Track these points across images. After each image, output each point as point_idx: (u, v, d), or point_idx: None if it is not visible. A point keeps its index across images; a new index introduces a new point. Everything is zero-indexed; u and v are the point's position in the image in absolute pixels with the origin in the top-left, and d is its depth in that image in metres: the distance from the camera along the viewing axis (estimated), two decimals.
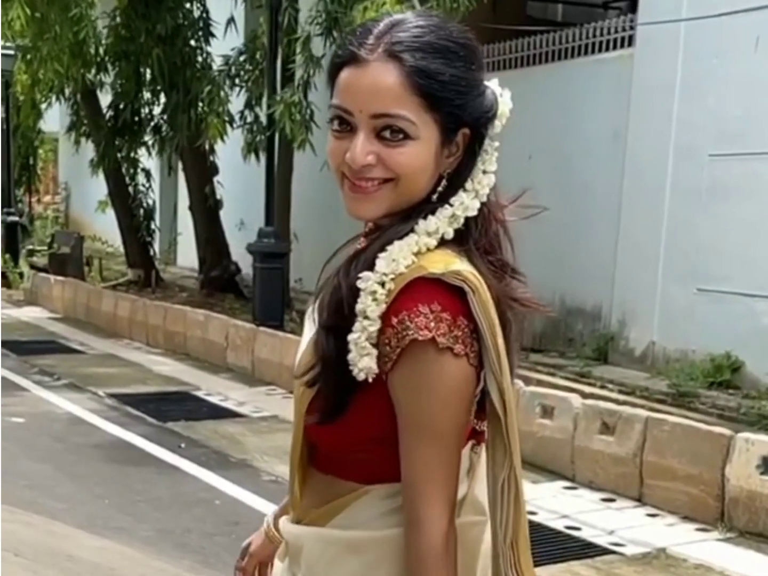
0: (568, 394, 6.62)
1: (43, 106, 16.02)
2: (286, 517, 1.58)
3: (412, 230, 1.40)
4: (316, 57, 9.70)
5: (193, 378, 9.43)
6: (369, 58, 1.35)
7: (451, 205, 1.41)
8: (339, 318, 1.39)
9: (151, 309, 11.58)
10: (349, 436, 1.42)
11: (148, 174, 15.46)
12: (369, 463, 1.44)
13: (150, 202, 15.64)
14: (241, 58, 11.87)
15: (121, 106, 13.79)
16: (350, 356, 1.36)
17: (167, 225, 18.45)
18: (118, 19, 13.20)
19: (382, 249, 1.39)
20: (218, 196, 13.90)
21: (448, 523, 1.36)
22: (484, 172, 1.45)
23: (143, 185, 15.59)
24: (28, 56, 13.35)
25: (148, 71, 13.41)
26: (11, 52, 15.66)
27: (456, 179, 1.43)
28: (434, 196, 1.42)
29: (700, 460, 5.51)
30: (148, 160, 15.68)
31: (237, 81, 11.92)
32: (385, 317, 1.35)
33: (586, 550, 5.01)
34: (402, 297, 1.35)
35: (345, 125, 1.38)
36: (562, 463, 6.35)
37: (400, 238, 1.39)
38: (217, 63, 13.23)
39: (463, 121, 1.40)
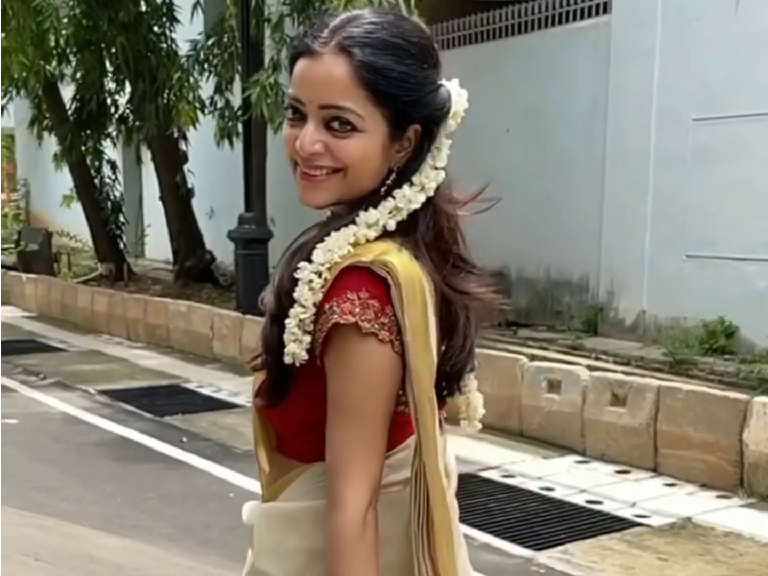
0: (574, 367, 6.56)
1: (3, 100, 15.63)
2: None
3: (352, 221, 1.44)
4: (288, 37, 9.54)
5: (181, 370, 9.28)
6: (322, 51, 1.40)
7: (394, 198, 1.45)
8: (280, 306, 1.45)
9: (130, 303, 11.39)
10: (291, 419, 1.50)
11: (113, 166, 15.23)
12: (310, 443, 1.48)
13: (117, 194, 15.40)
14: (209, 42, 11.64)
15: (86, 98, 13.49)
16: (285, 341, 1.43)
17: (133, 217, 18.19)
18: (78, 9, 12.91)
19: (322, 240, 1.44)
20: (189, 185, 13.68)
21: (367, 505, 1.40)
22: (434, 167, 1.48)
23: (109, 177, 15.36)
24: None
25: (112, 60, 13.17)
26: None
27: (404, 174, 1.46)
28: (382, 189, 1.45)
29: (717, 426, 5.47)
30: (113, 151, 15.47)
31: (206, 66, 11.69)
32: (319, 305, 1.41)
33: (613, 523, 4.96)
34: (334, 285, 1.40)
35: (297, 114, 1.44)
36: (571, 437, 6.30)
37: (338, 229, 1.44)
38: (182, 49, 13.04)
39: (413, 118, 1.44)
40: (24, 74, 12.93)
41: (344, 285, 1.39)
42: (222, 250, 13.97)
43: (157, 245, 17.25)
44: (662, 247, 8.96)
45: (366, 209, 1.44)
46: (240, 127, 11.33)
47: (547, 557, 4.51)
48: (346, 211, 1.47)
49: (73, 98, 13.95)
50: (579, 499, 5.36)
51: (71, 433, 6.92)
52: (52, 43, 13.25)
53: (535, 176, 10.27)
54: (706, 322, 8.42)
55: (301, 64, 1.42)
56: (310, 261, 1.42)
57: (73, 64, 13.68)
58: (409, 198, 1.45)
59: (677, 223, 8.81)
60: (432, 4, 9.28)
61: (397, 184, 1.46)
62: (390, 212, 1.45)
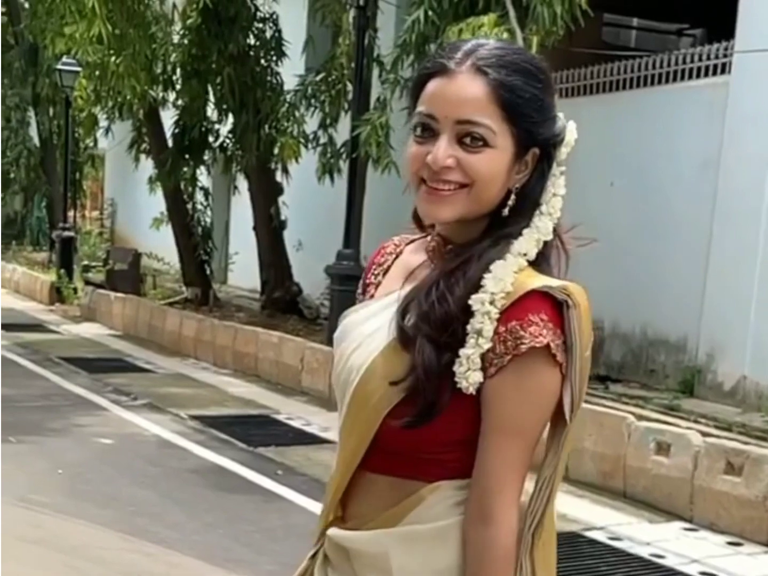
0: (686, 431, 6.38)
1: (105, 123, 15.91)
2: (334, 528, 1.59)
3: (508, 251, 1.48)
4: (403, 78, 9.54)
5: (270, 401, 9.25)
6: (457, 70, 1.47)
7: (537, 228, 1.50)
8: (447, 334, 1.46)
9: (219, 329, 11.43)
10: (434, 439, 1.48)
11: (207, 193, 15.38)
12: (442, 462, 1.51)
13: (208, 220, 15.55)
14: (317, 78, 11.72)
15: (188, 125, 13.67)
16: (460, 370, 1.45)
17: (219, 244, 18.35)
18: (188, 37, 13.12)
19: (486, 269, 1.47)
20: (283, 217, 13.75)
21: (517, 520, 1.46)
22: (554, 195, 1.53)
23: (201, 204, 15.51)
24: (97, 72, 13.29)
25: (216, 90, 13.33)
26: (76, 68, 15.62)
27: (525, 197, 1.51)
28: (505, 210, 1.50)
29: None
30: (206, 179, 15.63)
31: (312, 102, 11.76)
32: (494, 331, 1.44)
33: None
34: (512, 308, 1.44)
35: (428, 131, 1.48)
36: (679, 503, 6.11)
37: (500, 257, 1.47)
38: (288, 83, 13.17)
39: (535, 140, 1.50)
40: (130, 98, 13.13)
41: (525, 308, 1.44)
42: (307, 283, 14.03)
43: (241, 273, 17.36)
44: None
45: (516, 238, 1.49)
46: (342, 163, 11.39)
47: None
48: (477, 241, 1.51)
49: (175, 124, 14.13)
50: (692, 570, 5.17)
51: (167, 458, 6.91)
52: (159, 70, 13.49)
53: (638, 232, 10.12)
54: None
55: (436, 82, 1.48)
56: (478, 291, 1.46)
57: (178, 91, 13.87)
58: (548, 229, 1.51)
59: None
60: (548, 52, 9.22)
61: (520, 207, 1.51)
62: (536, 242, 1.50)
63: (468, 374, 1.45)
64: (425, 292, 1.50)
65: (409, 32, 9.32)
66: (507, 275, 1.46)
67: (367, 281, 1.68)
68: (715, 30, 11.58)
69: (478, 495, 1.46)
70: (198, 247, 15.26)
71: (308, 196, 14.28)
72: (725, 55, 9.58)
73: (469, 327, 1.45)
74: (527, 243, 1.50)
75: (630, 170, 10.31)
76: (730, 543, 5.66)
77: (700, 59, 9.85)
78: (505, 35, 8.39)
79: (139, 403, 8.79)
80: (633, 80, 10.43)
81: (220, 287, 16.88)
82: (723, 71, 9.61)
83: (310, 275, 14.12)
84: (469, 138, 1.45)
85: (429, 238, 1.60)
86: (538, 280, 1.46)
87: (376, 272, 1.67)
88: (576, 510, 6.14)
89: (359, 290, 1.71)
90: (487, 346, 1.44)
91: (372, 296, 1.65)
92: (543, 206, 1.51)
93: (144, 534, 5.15)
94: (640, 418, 6.75)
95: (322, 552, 1.63)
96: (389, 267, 1.66)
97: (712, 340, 9.29)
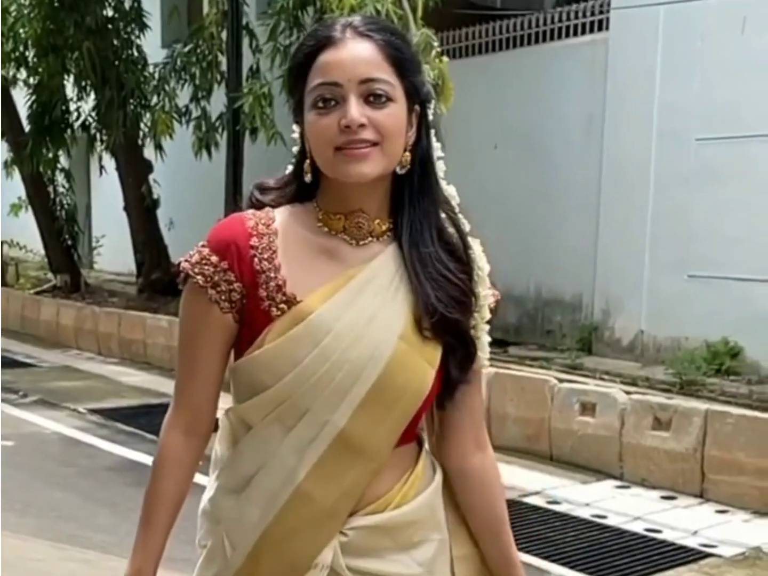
0: (610, 390, 6.40)
1: None
2: (364, 517, 1.60)
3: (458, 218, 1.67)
4: (282, 45, 9.26)
5: (169, 388, 8.65)
6: (345, 38, 1.55)
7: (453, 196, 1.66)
8: (467, 310, 1.62)
9: (101, 316, 10.98)
10: (431, 402, 1.66)
11: (68, 174, 14.74)
12: (418, 423, 1.68)
13: (71, 203, 14.92)
14: (185, 50, 11.28)
15: (48, 104, 13.01)
16: (480, 335, 1.66)
17: (82, 227, 17.68)
18: (41, 11, 12.45)
19: (467, 246, 1.64)
20: (155, 196, 13.27)
21: None
22: (438, 158, 1.65)
23: (63, 186, 14.86)
24: None
25: (76, 66, 12.71)
26: None
27: (420, 154, 1.61)
28: (401, 169, 1.59)
29: None
30: (66, 160, 14.98)
31: (182, 74, 11.32)
32: None
33: (684, 554, 4.80)
34: None
35: (330, 101, 1.53)
36: (608, 461, 6.14)
37: (460, 225, 1.65)
38: (151, 57, 12.68)
39: (419, 95, 1.60)
40: None
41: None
42: None
43: (109, 257, 16.77)
44: (662, 267, 8.88)
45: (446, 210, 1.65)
46: (218, 137, 11.04)
47: None
48: (371, 196, 1.59)
49: (33, 104, 13.44)
50: (637, 527, 5.20)
51: (77, 456, 6.56)
52: (10, 47, 12.78)
53: (527, 193, 10.14)
54: (709, 342, 8.36)
55: (328, 54, 1.54)
56: (466, 261, 1.64)
57: (34, 68, 13.19)
58: (452, 192, 1.67)
59: (679, 243, 8.74)
60: (427, 15, 9.08)
61: (421, 164, 1.61)
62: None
63: (484, 340, 1.66)
64: (437, 280, 1.60)
65: None
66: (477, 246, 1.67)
67: (256, 267, 1.56)
68: None
69: (474, 430, 1.69)
70: (63, 231, 14.62)
71: (178, 173, 13.83)
72: (601, 12, 9.64)
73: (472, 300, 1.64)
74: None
75: (514, 132, 10.30)
76: (663, 497, 5.71)
77: (577, 17, 9.89)
78: None
79: (29, 400, 8.35)
80: (515, 40, 10.40)
81: (88, 272, 16.25)
82: (600, 29, 9.67)
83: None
84: (373, 96, 1.52)
85: (307, 213, 1.62)
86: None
87: (264, 256, 1.56)
88: (507, 476, 6.01)
89: (230, 274, 1.57)
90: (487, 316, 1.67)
91: (282, 283, 1.56)
92: (439, 173, 1.63)
93: (76, 540, 4.85)
94: (562, 380, 6.73)
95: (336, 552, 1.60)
96: (276, 249, 1.57)
97: (608, 297, 9.40)
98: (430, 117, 1.63)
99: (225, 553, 1.62)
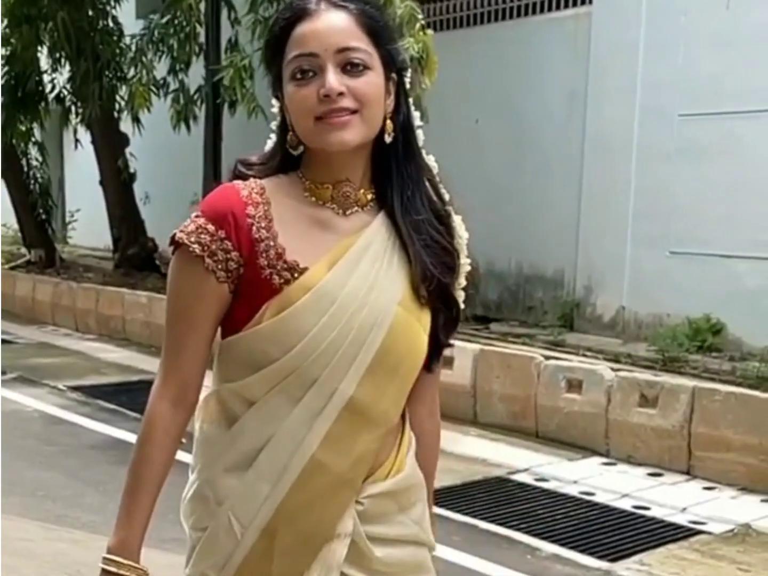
0: (596, 366, 6.40)
1: None
2: (375, 485, 1.66)
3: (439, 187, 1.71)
4: (263, 17, 9.14)
5: (149, 365, 8.80)
6: (320, 9, 1.57)
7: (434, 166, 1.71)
8: (454, 270, 1.69)
9: (78, 292, 10.87)
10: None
11: (41, 147, 14.56)
12: None
13: (45, 177, 14.75)
14: (163, 21, 11.11)
15: (22, 76, 12.83)
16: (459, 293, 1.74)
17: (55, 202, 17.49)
18: None
19: (449, 212, 1.70)
20: (131, 169, 13.12)
21: None
22: (417, 127, 1.69)
23: (37, 160, 14.69)
24: None
25: (51, 37, 12.52)
26: None
27: (400, 121, 1.64)
28: (388, 137, 1.62)
29: (760, 429, 5.36)
30: (39, 133, 14.78)
31: (160, 46, 11.16)
32: None
33: (672, 531, 4.81)
34: None
35: (308, 72, 1.56)
36: (594, 438, 6.14)
37: (438, 191, 1.71)
38: (126, 28, 12.51)
39: (395, 63, 1.63)
40: None
41: None
42: (159, 237, 13.49)
43: (83, 231, 16.63)
44: (644, 244, 8.87)
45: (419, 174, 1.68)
46: (197, 110, 10.92)
47: (625, 569, 4.32)
48: (354, 164, 1.62)
49: (5, 76, 13.24)
50: (625, 504, 5.20)
51: (59, 435, 6.48)
52: None
53: (508, 168, 10.09)
54: (691, 319, 8.37)
55: (304, 25, 1.56)
56: (450, 227, 1.70)
57: (6, 39, 12.98)
58: (432, 163, 1.71)
59: (661, 219, 8.73)
60: None
61: (403, 132, 1.64)
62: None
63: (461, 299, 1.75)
64: (432, 250, 1.64)
65: None
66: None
67: (254, 236, 1.56)
68: None
69: (432, 400, 1.79)
70: (37, 205, 14.46)
71: (153, 146, 13.68)
72: None
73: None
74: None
75: (495, 106, 10.23)
76: (650, 474, 5.72)
77: None
78: None
79: (8, 377, 8.25)
80: (495, 13, 10.31)
81: (62, 247, 16.07)
82: (583, 2, 9.61)
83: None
84: (350, 65, 1.55)
85: (293, 184, 1.64)
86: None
87: (261, 225, 1.57)
88: (494, 453, 6.10)
89: (227, 242, 1.56)
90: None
91: (282, 251, 1.57)
92: (420, 144, 1.67)
93: (64, 520, 4.80)
94: (548, 357, 6.72)
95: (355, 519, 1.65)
96: (271, 218, 1.58)
97: (589, 273, 9.38)
98: (407, 85, 1.66)
99: (234, 533, 1.60)
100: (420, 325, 1.63)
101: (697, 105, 8.48)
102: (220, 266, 1.56)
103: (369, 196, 1.64)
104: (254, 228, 1.56)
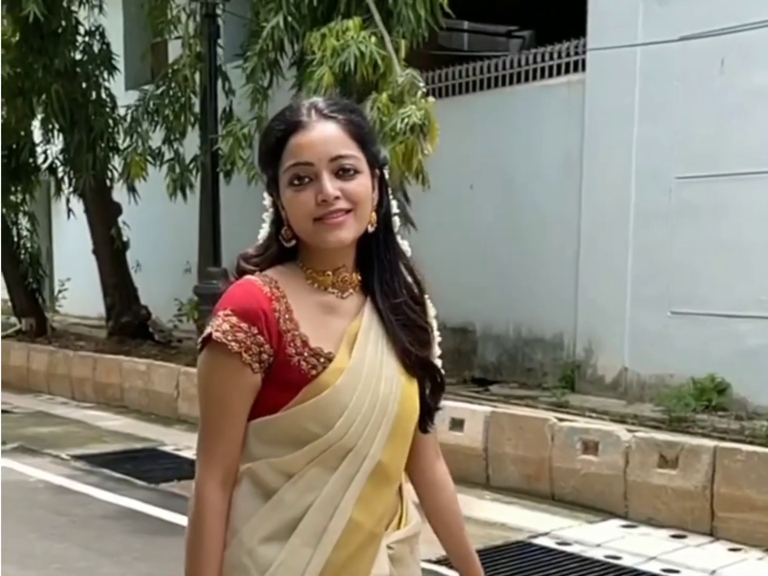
0: (613, 428, 6.38)
1: None
2: (395, 533, 1.84)
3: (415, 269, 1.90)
4: (263, 87, 9.23)
5: (150, 433, 8.77)
6: (312, 121, 1.75)
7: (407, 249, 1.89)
8: (430, 343, 1.89)
9: (74, 360, 10.79)
10: None
11: (32, 217, 14.57)
12: None
13: (35, 246, 14.73)
14: (158, 92, 11.20)
15: (16, 147, 12.88)
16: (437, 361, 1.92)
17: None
18: (9, 54, 12.34)
19: (424, 293, 1.89)
20: (124, 238, 13.12)
21: None
22: (394, 214, 1.86)
23: (27, 229, 14.68)
24: None
25: (44, 109, 12.59)
26: None
27: (383, 212, 1.82)
28: (371, 227, 1.79)
29: None
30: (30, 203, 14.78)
31: (155, 116, 11.23)
32: None
33: None
34: None
35: (304, 179, 1.73)
36: (612, 500, 6.10)
37: (417, 278, 1.89)
38: (120, 99, 12.60)
39: (377, 161, 1.81)
40: None
41: None
42: (151, 305, 13.46)
43: (73, 300, 16.50)
44: (644, 304, 8.91)
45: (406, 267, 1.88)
46: (192, 179, 10.97)
47: None
48: (347, 254, 1.79)
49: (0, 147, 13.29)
50: (653, 568, 5.16)
51: (68, 505, 6.38)
52: None
53: (504, 233, 10.15)
54: (695, 379, 8.38)
55: (298, 136, 1.73)
56: (425, 306, 1.89)
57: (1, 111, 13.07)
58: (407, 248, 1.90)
59: (661, 280, 8.78)
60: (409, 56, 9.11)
61: (384, 223, 1.82)
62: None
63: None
64: (410, 329, 1.84)
65: (267, 39, 9.02)
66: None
67: (282, 328, 1.73)
68: (543, 31, 11.81)
69: (434, 445, 1.95)
70: (27, 275, 14.43)
71: (144, 215, 13.69)
72: (576, 53, 9.73)
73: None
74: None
75: (490, 172, 10.33)
76: (673, 536, 5.68)
77: (552, 58, 9.97)
78: (372, 39, 8.23)
79: (9, 447, 8.14)
80: (490, 81, 10.46)
81: (52, 317, 15.98)
82: (576, 69, 9.75)
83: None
84: (342, 170, 1.73)
85: (294, 273, 1.80)
86: None
87: (286, 317, 1.74)
88: (511, 517, 6.05)
89: (259, 337, 1.72)
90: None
91: (306, 339, 1.74)
92: (398, 231, 1.86)
93: None
94: (562, 420, 6.70)
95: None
96: (292, 309, 1.74)
97: (590, 335, 9.41)
98: (387, 176, 1.84)
99: None
100: (414, 391, 1.84)
101: (692, 168, 8.59)
102: (254, 359, 1.71)
103: (358, 278, 1.82)
104: (280, 321, 1.73)
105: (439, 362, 1.90)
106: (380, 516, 1.79)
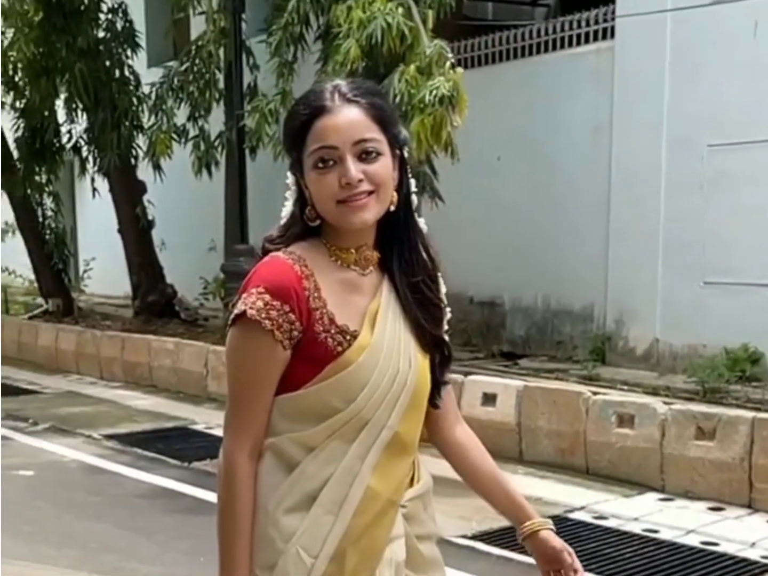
0: (649, 400, 6.31)
1: None
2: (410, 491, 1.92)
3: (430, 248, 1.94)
4: (288, 62, 9.15)
5: (180, 411, 8.75)
6: (336, 105, 1.79)
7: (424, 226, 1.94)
8: (442, 320, 1.95)
9: (103, 340, 10.79)
10: None
11: (56, 197, 14.56)
12: None
13: (60, 227, 14.73)
14: (182, 69, 11.13)
15: (40, 127, 12.86)
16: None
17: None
18: (32, 34, 12.30)
19: (438, 270, 1.94)
20: (149, 217, 13.10)
21: None
22: (412, 192, 1.91)
23: (52, 210, 14.68)
24: None
25: (68, 88, 12.54)
26: None
27: (403, 192, 1.86)
28: (392, 207, 1.84)
29: None
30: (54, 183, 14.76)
31: (179, 93, 11.17)
32: None
33: (750, 567, 4.68)
34: None
35: (329, 161, 1.77)
36: (649, 473, 6.03)
37: (433, 256, 1.93)
38: (143, 76, 12.55)
39: (399, 143, 1.86)
40: None
41: None
42: (176, 283, 13.45)
43: (98, 280, 16.54)
44: (676, 275, 8.82)
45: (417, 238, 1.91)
46: (218, 155, 10.92)
47: None
48: (370, 234, 1.85)
49: (21, 128, 13.28)
50: (692, 541, 5.08)
51: (102, 485, 6.38)
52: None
53: (533, 204, 10.05)
54: (729, 349, 8.28)
55: (322, 120, 1.77)
56: (439, 284, 1.94)
57: (22, 92, 13.05)
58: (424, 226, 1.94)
59: (693, 250, 8.68)
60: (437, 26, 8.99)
61: (404, 202, 1.86)
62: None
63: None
64: (425, 306, 1.91)
65: (291, 12, 8.93)
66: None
67: (311, 306, 1.78)
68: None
69: (453, 409, 2.02)
70: (53, 255, 14.42)
71: (168, 193, 13.64)
72: (605, 20, 9.59)
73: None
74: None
75: (518, 143, 10.23)
76: (711, 509, 5.61)
77: (580, 26, 9.83)
78: (399, 10, 8.12)
79: (41, 427, 8.16)
80: (519, 50, 10.32)
81: (78, 296, 16.01)
82: (605, 37, 9.62)
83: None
84: (365, 153, 1.77)
85: (318, 250, 1.84)
86: None
87: (315, 295, 1.79)
88: (547, 491, 6.00)
89: (291, 315, 1.77)
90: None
91: (333, 317, 1.79)
92: (416, 210, 1.90)
93: (121, 572, 4.70)
94: (596, 393, 6.63)
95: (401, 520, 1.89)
96: (320, 288, 1.80)
97: (620, 306, 9.32)
98: (406, 156, 1.89)
99: (304, 565, 1.77)
100: (426, 366, 1.91)
101: (725, 135, 8.46)
102: (285, 336, 1.77)
103: (377, 256, 1.88)
104: (310, 299, 1.78)
105: (446, 337, 1.97)
106: (397, 485, 1.86)
